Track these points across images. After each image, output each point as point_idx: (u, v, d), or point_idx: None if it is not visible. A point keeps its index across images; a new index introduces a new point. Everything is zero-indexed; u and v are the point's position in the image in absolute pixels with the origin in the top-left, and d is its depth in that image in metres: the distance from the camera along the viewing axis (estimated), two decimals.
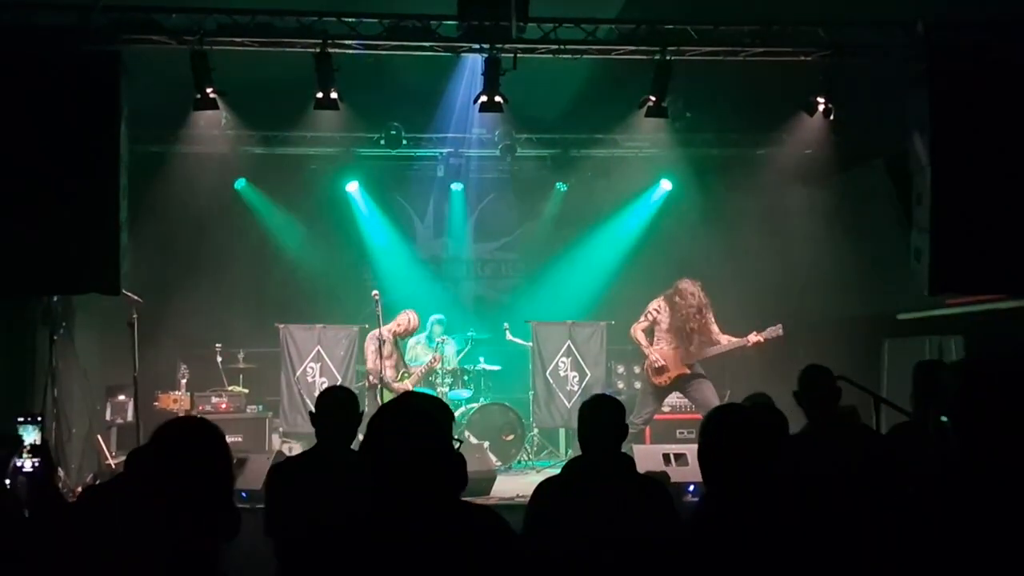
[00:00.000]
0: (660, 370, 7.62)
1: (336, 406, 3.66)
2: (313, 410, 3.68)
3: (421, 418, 2.12)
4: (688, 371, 7.59)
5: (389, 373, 8.21)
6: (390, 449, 2.07)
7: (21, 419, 3.11)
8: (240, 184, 9.82)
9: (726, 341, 7.58)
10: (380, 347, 8.14)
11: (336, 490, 3.34)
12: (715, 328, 7.62)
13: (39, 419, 3.12)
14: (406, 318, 8.43)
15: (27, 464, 3.04)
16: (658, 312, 7.70)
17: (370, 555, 1.99)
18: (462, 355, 9.15)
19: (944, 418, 2.10)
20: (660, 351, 7.65)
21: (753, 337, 7.47)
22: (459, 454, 2.18)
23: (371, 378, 8.15)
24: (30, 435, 3.09)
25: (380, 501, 2.05)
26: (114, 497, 2.66)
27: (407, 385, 8.26)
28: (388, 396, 8.04)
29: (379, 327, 8.14)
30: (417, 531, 2.00)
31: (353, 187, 10.27)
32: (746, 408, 2.81)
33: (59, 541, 2.60)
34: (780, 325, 7.48)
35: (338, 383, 8.87)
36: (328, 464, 3.57)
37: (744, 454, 2.49)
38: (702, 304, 7.56)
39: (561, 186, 10.44)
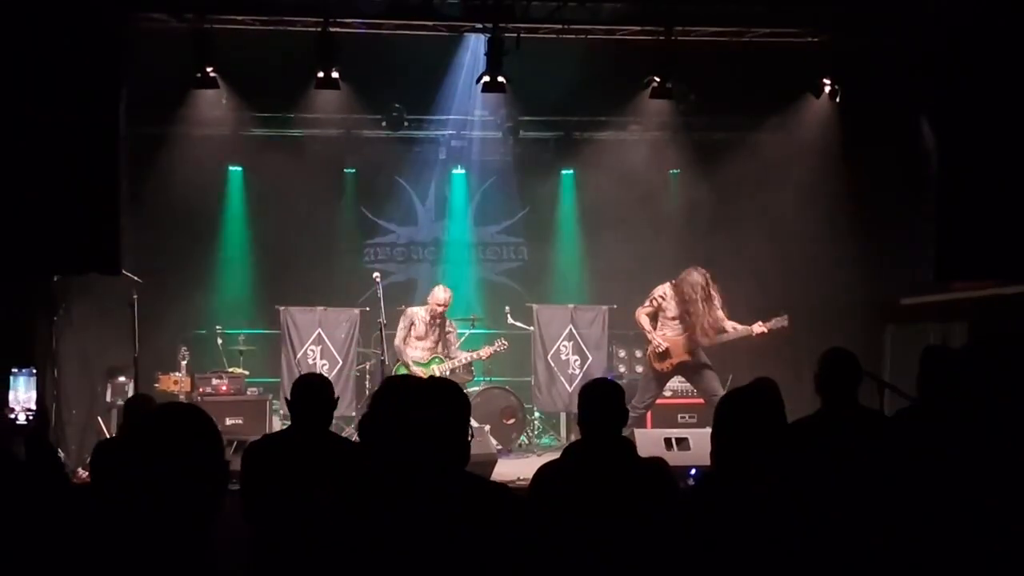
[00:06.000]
0: (662, 355, 7.56)
1: (311, 392, 3.70)
2: (289, 397, 3.69)
3: (432, 391, 2.07)
4: (690, 358, 7.51)
5: (416, 354, 8.17)
6: (396, 419, 2.01)
7: (15, 370, 3.01)
8: (234, 173, 9.77)
9: (731, 329, 7.46)
10: (410, 326, 8.16)
11: (312, 474, 3.34)
12: (721, 315, 7.50)
13: (34, 371, 3.02)
14: (434, 293, 8.15)
15: (20, 417, 2.96)
16: (663, 299, 7.59)
17: (365, 533, 1.94)
18: (463, 339, 9.10)
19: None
20: (663, 337, 7.58)
21: (757, 327, 7.35)
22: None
23: (385, 356, 7.94)
24: (22, 385, 3.00)
25: (381, 475, 1.99)
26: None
27: (434, 370, 8.03)
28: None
29: (382, 309, 8.07)
30: (416, 506, 1.95)
31: (353, 168, 10.21)
32: (758, 393, 2.76)
33: (52, 492, 2.55)
34: (786, 316, 7.39)
35: (339, 366, 8.85)
36: (304, 448, 3.59)
37: (752, 437, 2.49)
38: (709, 295, 7.44)
39: (567, 173, 10.37)
